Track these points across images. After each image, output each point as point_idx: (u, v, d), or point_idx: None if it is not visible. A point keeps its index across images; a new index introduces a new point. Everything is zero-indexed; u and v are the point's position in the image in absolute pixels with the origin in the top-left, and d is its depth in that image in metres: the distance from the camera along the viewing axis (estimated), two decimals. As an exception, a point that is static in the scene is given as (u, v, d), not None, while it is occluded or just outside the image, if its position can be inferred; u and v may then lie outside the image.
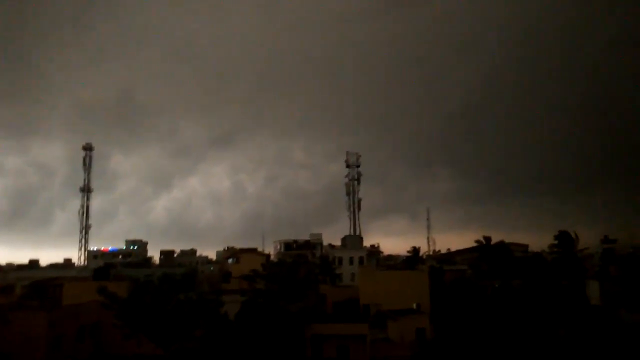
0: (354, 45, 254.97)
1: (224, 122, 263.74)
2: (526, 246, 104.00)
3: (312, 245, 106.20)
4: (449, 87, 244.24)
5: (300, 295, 47.94)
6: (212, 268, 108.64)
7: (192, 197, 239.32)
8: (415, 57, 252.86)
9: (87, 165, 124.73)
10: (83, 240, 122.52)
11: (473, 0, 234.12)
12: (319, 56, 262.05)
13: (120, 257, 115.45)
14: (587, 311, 43.75)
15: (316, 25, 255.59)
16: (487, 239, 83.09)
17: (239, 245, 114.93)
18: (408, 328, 42.29)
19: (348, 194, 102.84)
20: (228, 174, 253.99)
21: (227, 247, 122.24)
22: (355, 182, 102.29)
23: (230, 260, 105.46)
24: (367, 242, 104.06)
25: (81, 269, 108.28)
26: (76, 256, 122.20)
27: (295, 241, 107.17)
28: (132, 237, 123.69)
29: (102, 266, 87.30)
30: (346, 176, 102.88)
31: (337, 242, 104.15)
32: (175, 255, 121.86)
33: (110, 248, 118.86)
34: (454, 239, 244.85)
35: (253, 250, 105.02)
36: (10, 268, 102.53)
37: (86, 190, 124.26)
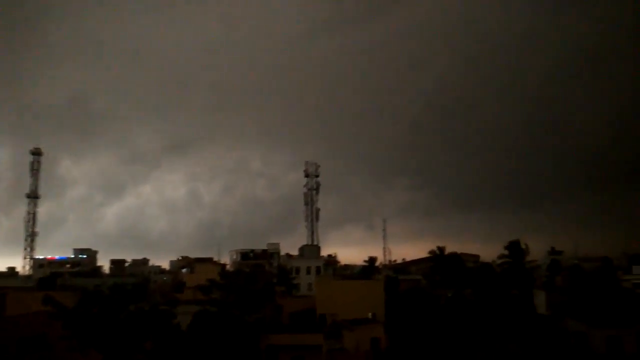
0: (312, 57, 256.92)
1: (180, 129, 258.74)
2: (478, 257, 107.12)
3: (270, 254, 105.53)
4: (404, 100, 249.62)
5: (257, 306, 47.48)
6: (165, 278, 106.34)
7: (145, 205, 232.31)
8: (372, 69, 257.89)
9: (35, 170, 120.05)
10: (29, 248, 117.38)
11: (426, 16, 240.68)
12: (278, 66, 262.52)
13: (68, 266, 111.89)
14: (534, 321, 45.30)
15: (276, 36, 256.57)
16: (441, 249, 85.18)
17: (193, 255, 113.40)
18: (363, 338, 42.54)
19: (306, 203, 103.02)
20: (183, 182, 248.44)
21: (181, 257, 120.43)
22: (314, 192, 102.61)
23: (184, 270, 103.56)
24: (324, 252, 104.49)
25: (25, 278, 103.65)
26: (20, 265, 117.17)
27: (252, 251, 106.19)
28: (80, 245, 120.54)
29: (48, 275, 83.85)
30: (305, 186, 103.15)
31: (295, 252, 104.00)
32: (126, 264, 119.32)
33: (57, 257, 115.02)
34: (409, 249, 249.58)
35: (208, 260, 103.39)
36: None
37: (33, 196, 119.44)
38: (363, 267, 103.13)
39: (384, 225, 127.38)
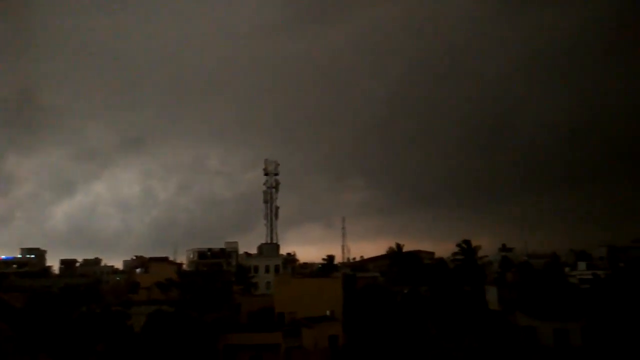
0: (272, 56, 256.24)
1: (135, 125, 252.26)
2: (433, 253, 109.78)
3: (228, 253, 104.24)
4: (363, 100, 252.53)
5: (215, 305, 46.89)
6: (118, 278, 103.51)
7: (97, 203, 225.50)
8: (331, 70, 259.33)
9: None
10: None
11: (385, 19, 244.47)
12: (237, 64, 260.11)
13: (14, 266, 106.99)
14: (486, 315, 46.78)
15: (235, 35, 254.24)
16: (399, 246, 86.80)
17: (148, 254, 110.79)
18: (321, 335, 42.75)
19: (266, 201, 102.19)
20: (138, 179, 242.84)
21: (136, 257, 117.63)
22: (274, 190, 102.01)
23: (138, 270, 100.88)
24: (283, 250, 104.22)
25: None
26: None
27: (209, 250, 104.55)
28: (28, 245, 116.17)
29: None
30: (264, 184, 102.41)
31: (254, 251, 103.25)
32: (77, 264, 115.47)
33: (3, 257, 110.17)
34: (367, 247, 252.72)
35: (164, 260, 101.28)
36: None
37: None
38: (322, 265, 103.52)
39: (343, 224, 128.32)
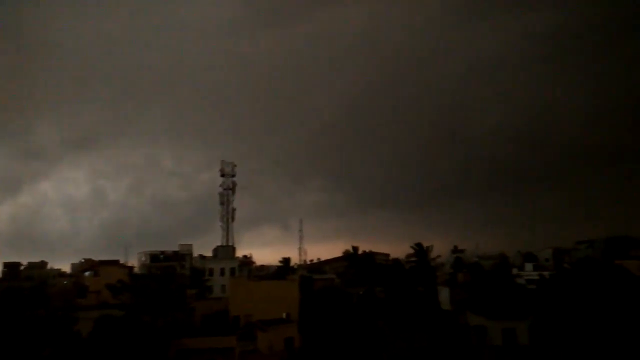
0: (227, 56, 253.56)
1: (84, 123, 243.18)
2: (388, 255, 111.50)
3: (181, 256, 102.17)
4: (319, 102, 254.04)
5: (167, 309, 45.82)
6: (65, 282, 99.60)
7: (43, 203, 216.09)
8: (286, 70, 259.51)
9: None
10: None
11: (343, 21, 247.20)
12: (192, 64, 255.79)
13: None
14: (438, 315, 47.93)
15: (191, 33, 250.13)
16: (355, 248, 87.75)
17: (97, 257, 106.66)
18: (277, 338, 42.63)
19: (222, 203, 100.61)
20: (87, 179, 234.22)
21: (84, 259, 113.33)
22: (230, 192, 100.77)
23: (87, 274, 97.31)
24: (239, 253, 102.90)
25: None
26: None
27: (162, 252, 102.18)
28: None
29: None
30: (220, 185, 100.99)
31: (209, 253, 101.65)
32: (21, 267, 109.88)
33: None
34: (324, 249, 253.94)
35: (114, 263, 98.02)
36: None
37: None
38: (278, 267, 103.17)
39: (300, 226, 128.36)
